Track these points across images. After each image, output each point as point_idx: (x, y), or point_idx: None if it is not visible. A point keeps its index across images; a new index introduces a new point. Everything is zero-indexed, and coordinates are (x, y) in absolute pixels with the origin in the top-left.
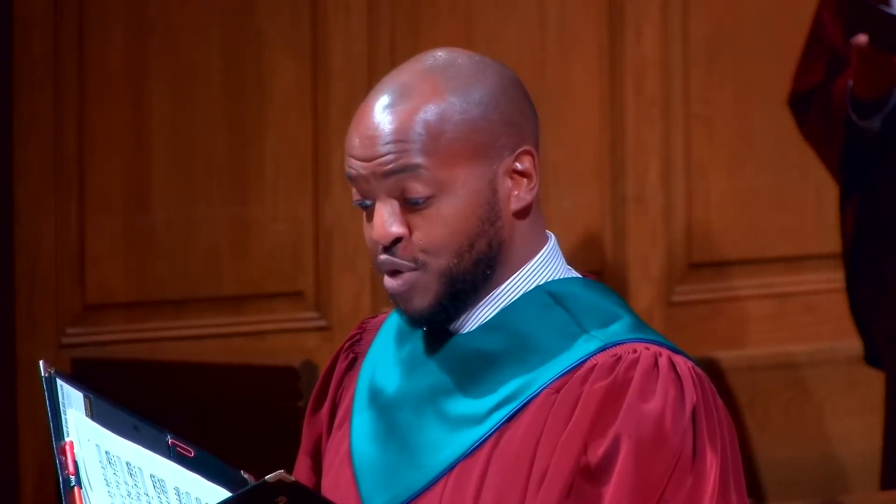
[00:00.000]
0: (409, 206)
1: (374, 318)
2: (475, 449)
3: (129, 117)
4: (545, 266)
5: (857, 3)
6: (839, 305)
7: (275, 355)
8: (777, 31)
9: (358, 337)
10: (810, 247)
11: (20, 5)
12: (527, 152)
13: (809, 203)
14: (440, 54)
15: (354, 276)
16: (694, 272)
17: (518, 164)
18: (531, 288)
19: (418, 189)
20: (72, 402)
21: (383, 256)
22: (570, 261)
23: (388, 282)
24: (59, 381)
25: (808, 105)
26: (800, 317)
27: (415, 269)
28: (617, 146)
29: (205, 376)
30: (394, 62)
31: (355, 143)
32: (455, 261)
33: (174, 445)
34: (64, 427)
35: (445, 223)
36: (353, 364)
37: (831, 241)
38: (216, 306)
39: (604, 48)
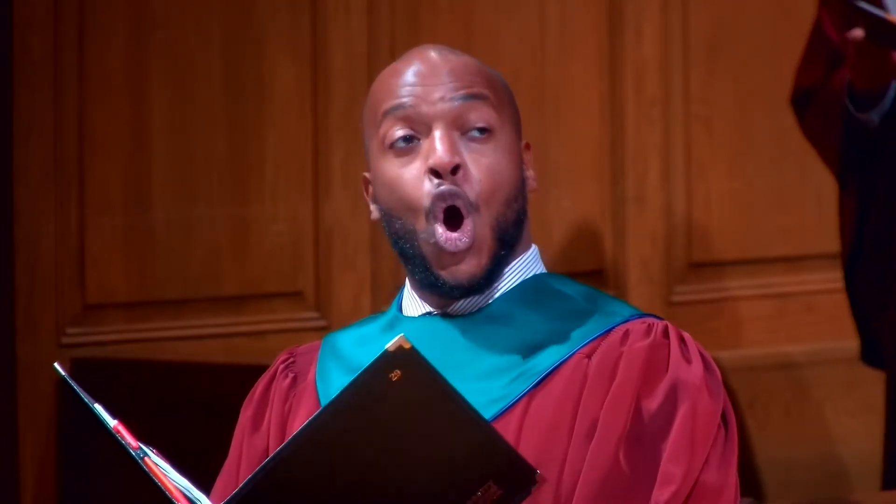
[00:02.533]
0: (468, 139)
1: (299, 346)
2: (501, 415)
3: (129, 117)
4: (535, 262)
5: (848, 5)
6: (839, 305)
7: (275, 355)
8: (777, 31)
9: (291, 360)
10: (810, 247)
11: (20, 6)
12: (528, 145)
13: (809, 203)
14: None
15: (354, 276)
16: (694, 272)
17: (525, 155)
18: (528, 276)
19: (484, 117)
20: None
21: (443, 188)
22: (570, 261)
23: (447, 236)
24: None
25: (808, 102)
26: (800, 317)
27: (472, 212)
28: (617, 146)
29: (205, 376)
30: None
31: (411, 77)
32: (503, 209)
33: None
34: (102, 414)
35: (498, 166)
36: (294, 382)
37: (831, 241)
38: (216, 306)
39: (604, 48)
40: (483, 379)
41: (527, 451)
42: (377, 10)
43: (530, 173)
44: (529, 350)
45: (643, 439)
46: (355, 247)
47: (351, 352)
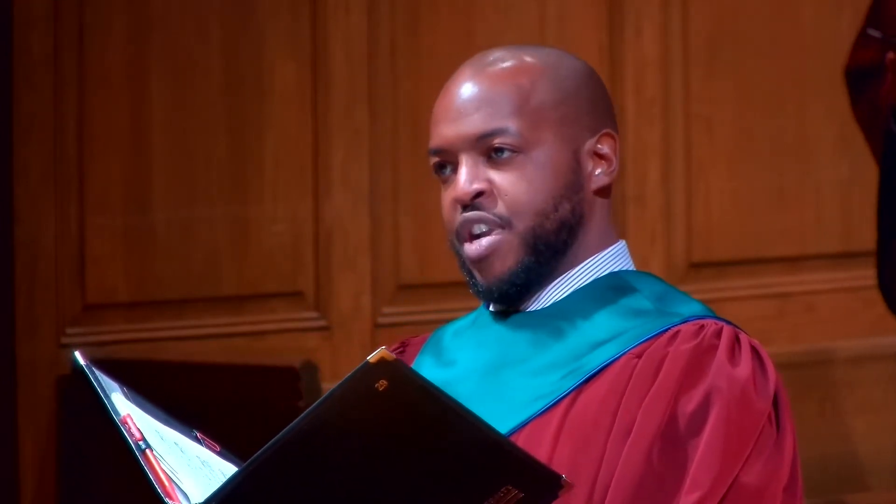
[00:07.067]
0: (494, 162)
1: (415, 337)
2: (546, 411)
3: (129, 117)
4: (617, 258)
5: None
6: (839, 305)
7: (275, 355)
8: (777, 32)
9: (401, 349)
10: (810, 247)
11: (20, 5)
12: (609, 135)
13: (809, 203)
14: (524, 45)
15: (354, 276)
16: (694, 272)
17: (600, 146)
18: (604, 274)
19: (507, 143)
20: (112, 388)
21: (466, 214)
22: None
23: (469, 248)
24: (97, 370)
25: (861, 88)
26: (800, 317)
27: (500, 227)
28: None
29: (205, 376)
30: (394, 62)
31: (442, 113)
32: (539, 220)
33: (203, 439)
34: (114, 405)
35: (530, 181)
36: None
37: (831, 241)
38: (216, 306)
39: (604, 48)
40: (537, 375)
41: (565, 448)
42: (377, 10)
43: (599, 170)
44: (586, 348)
45: (677, 441)
46: (355, 247)
47: (447, 343)
